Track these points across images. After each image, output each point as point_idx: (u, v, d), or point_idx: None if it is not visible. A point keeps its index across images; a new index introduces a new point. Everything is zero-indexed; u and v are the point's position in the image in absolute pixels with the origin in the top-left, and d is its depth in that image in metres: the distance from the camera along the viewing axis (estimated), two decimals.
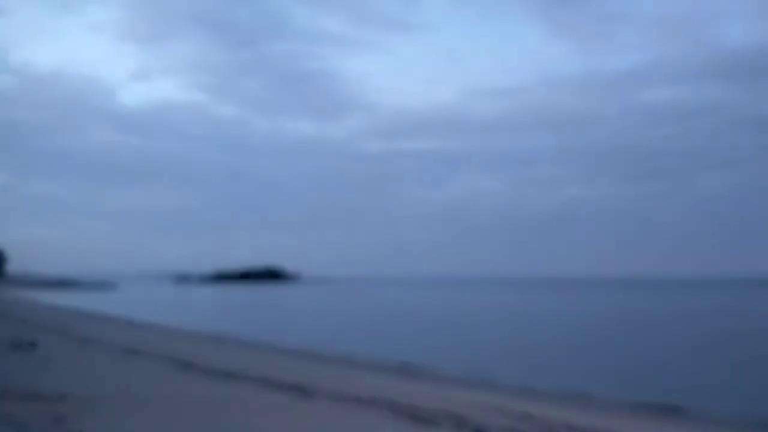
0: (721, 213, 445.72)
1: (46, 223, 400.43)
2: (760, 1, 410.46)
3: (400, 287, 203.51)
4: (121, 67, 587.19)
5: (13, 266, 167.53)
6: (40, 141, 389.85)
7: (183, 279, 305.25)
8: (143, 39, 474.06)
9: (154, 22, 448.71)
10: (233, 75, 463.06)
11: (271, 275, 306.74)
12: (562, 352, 33.11)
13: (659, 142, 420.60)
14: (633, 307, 79.92)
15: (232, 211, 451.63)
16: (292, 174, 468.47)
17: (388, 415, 12.61)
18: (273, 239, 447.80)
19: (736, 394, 21.22)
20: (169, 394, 13.53)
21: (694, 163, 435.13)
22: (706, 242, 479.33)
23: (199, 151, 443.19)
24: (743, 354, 31.96)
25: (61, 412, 10.87)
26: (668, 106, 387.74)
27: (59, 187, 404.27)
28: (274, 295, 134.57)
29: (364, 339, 40.47)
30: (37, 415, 10.62)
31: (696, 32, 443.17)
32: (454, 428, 11.83)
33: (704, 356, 31.39)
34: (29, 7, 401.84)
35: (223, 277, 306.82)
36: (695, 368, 27.14)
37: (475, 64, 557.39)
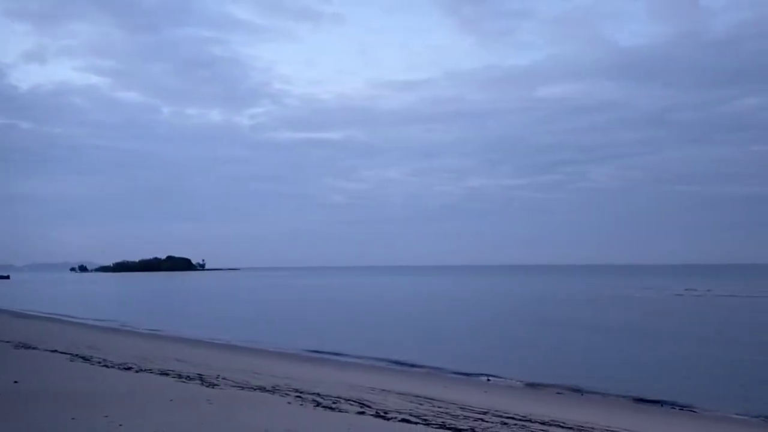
0: (611, 204, 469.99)
1: None
2: (652, 3, 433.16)
3: (307, 276, 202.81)
4: (11, 46, 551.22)
5: None
6: None
7: (82, 269, 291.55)
8: (37, 17, 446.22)
9: (49, 0, 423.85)
10: (136, 59, 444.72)
11: (176, 265, 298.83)
12: (464, 336, 34.06)
13: (555, 136, 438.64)
14: (523, 291, 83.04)
15: (135, 200, 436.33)
16: (198, 163, 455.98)
17: (293, 402, 12.67)
18: (178, 229, 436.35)
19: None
20: (63, 388, 13.03)
21: (587, 156, 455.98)
22: (596, 231, 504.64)
23: (99, 137, 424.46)
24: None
25: None
26: (564, 102, 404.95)
27: None
28: (176, 285, 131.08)
29: (267, 327, 40.23)
30: None
31: (591, 32, 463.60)
32: (357, 412, 12.03)
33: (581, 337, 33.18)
34: None
35: (125, 268, 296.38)
36: (589, 352, 28.62)
37: (383, 56, 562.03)
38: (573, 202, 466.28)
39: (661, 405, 17.83)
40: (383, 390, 16.46)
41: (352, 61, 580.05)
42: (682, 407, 17.52)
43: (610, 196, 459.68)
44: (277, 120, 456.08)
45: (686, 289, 79.95)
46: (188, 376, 15.95)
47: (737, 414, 16.75)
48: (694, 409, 17.29)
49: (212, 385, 14.55)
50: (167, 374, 16.26)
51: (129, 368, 17.18)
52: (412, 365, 24.52)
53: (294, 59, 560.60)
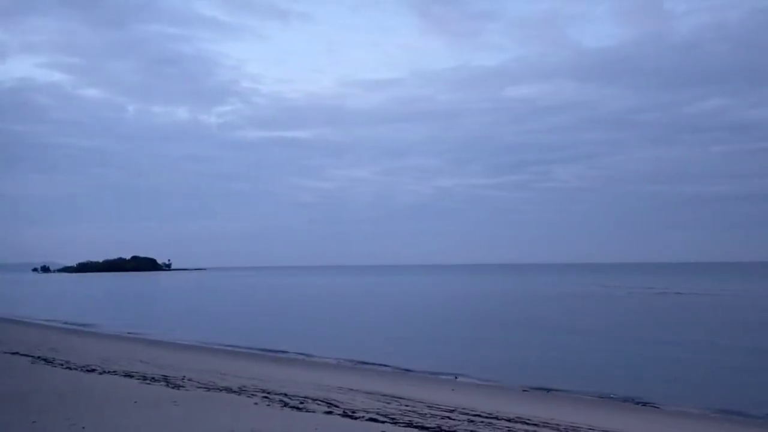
0: (577, 204, 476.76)
1: None
2: (617, 6, 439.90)
3: (275, 276, 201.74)
4: None
5: None
6: None
7: (44, 270, 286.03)
8: None
9: None
10: (100, 56, 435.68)
11: (141, 265, 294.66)
12: (432, 335, 34.20)
13: (523, 136, 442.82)
14: (490, 290, 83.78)
15: (99, 200, 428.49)
16: (164, 161, 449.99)
17: (259, 402, 12.60)
18: (143, 229, 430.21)
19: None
20: (24, 391, 12.77)
21: (554, 156, 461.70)
22: (563, 231, 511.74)
23: (62, 135, 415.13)
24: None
25: None
26: (531, 103, 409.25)
27: None
28: (142, 286, 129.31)
29: (234, 327, 39.90)
30: None
31: (558, 33, 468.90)
32: (324, 412, 12.01)
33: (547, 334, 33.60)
34: None
35: (89, 268, 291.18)
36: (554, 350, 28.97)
37: (352, 55, 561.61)
38: (540, 201, 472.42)
39: (625, 402, 18.16)
40: (351, 389, 16.45)
41: (321, 60, 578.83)
42: (645, 404, 17.84)
43: (576, 196, 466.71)
44: (245, 118, 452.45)
45: (645, 288, 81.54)
46: (153, 378, 15.76)
47: (697, 409, 17.13)
48: (657, 405, 17.62)
49: (177, 387, 14.39)
50: (131, 376, 16.04)
51: (92, 370, 16.91)
52: (380, 365, 24.54)
53: (262, 57, 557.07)
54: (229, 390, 14.38)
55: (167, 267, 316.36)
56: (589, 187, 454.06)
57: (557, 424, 12.86)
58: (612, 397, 18.59)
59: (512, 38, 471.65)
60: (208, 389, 14.37)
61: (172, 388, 14.22)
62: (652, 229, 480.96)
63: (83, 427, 9.34)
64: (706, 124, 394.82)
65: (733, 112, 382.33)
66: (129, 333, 35.74)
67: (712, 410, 17.00)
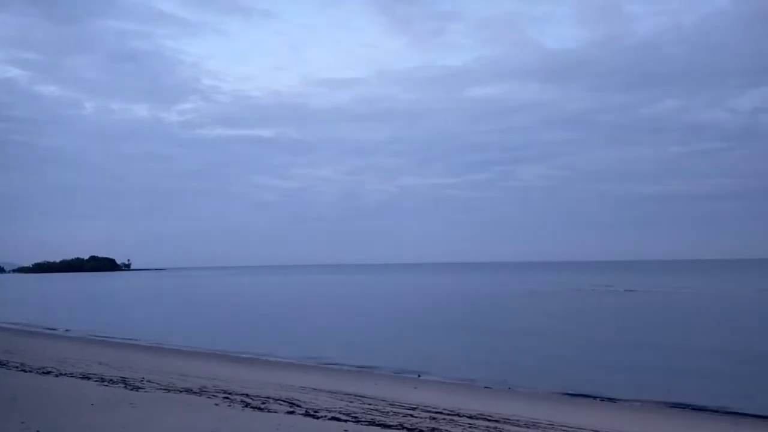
0: (539, 202, 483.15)
1: None
2: (577, 8, 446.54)
3: (237, 275, 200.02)
4: None
5: None
6: None
7: None
8: None
9: None
10: (58, 52, 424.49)
11: (100, 266, 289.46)
12: (395, 334, 34.30)
13: (485, 136, 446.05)
14: (453, 289, 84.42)
15: (56, 199, 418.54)
16: (124, 160, 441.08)
17: (220, 403, 12.48)
18: (102, 228, 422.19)
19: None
20: None
21: (516, 156, 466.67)
22: (525, 229, 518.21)
23: (18, 133, 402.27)
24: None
25: None
26: (493, 103, 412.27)
27: None
28: (100, 286, 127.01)
29: (194, 328, 39.49)
30: None
31: (519, 34, 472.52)
32: (286, 412, 11.96)
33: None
34: None
35: (46, 268, 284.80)
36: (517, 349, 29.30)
37: (315, 53, 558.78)
38: (503, 200, 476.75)
39: (584, 397, 18.47)
40: (314, 389, 16.41)
41: (283, 58, 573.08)
42: (602, 398, 18.17)
43: (537, 195, 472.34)
44: (206, 116, 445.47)
45: (600, 286, 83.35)
46: (111, 380, 15.49)
47: (653, 403, 17.51)
48: (614, 400, 17.97)
49: (136, 388, 14.17)
50: (89, 378, 15.74)
51: (48, 372, 16.53)
52: (343, 364, 24.51)
53: (224, 55, 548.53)
54: (189, 391, 14.21)
55: (126, 267, 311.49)
56: (550, 186, 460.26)
57: (518, 420, 13.01)
58: (571, 393, 18.89)
59: (475, 39, 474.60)
60: (168, 390, 14.18)
61: (131, 389, 13.99)
62: (610, 227, 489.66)
63: (38, 431, 9.14)
64: (662, 125, 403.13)
65: (688, 113, 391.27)
66: (87, 334, 35.06)
67: (667, 404, 17.40)
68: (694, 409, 16.90)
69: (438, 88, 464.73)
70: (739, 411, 16.50)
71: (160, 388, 14.45)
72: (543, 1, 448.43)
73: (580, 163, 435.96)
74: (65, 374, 16.28)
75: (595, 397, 18.36)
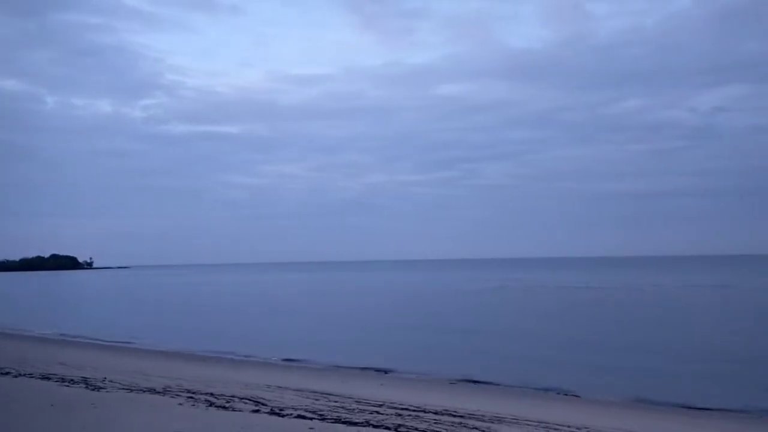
0: (504, 200, 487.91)
1: None
2: (542, 7, 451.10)
3: (202, 273, 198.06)
4: None
5: None
6: None
7: None
8: None
9: None
10: (16, 46, 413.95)
11: (61, 264, 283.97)
12: (361, 332, 34.30)
13: (452, 134, 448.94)
14: (418, 286, 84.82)
15: (16, 196, 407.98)
16: (86, 156, 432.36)
17: (184, 403, 12.35)
18: (63, 226, 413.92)
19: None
20: None
21: (481, 154, 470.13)
22: (490, 227, 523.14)
23: None
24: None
25: None
26: (460, 101, 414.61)
27: None
28: (61, 285, 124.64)
29: (158, 327, 39.00)
30: None
31: (486, 33, 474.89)
32: (251, 411, 11.88)
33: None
34: None
35: (4, 267, 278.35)
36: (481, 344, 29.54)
37: (282, 49, 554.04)
38: (469, 198, 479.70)
39: (548, 392, 18.72)
40: (279, 387, 16.33)
41: (250, 54, 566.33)
42: (566, 393, 18.43)
43: (503, 193, 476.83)
44: (171, 112, 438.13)
45: (560, 282, 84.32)
46: (72, 380, 15.21)
47: (615, 398, 17.83)
48: (577, 395, 18.24)
49: (98, 389, 13.94)
50: (49, 378, 15.44)
51: (7, 373, 16.17)
52: (309, 362, 24.44)
53: (189, 50, 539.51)
54: (152, 391, 14.03)
55: (89, 265, 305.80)
56: (516, 184, 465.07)
57: (482, 415, 13.12)
58: (537, 389, 19.11)
59: (442, 37, 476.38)
60: (131, 390, 13.98)
61: (92, 390, 13.77)
62: (574, 225, 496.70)
63: None
64: (624, 124, 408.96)
65: (649, 112, 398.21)
66: (48, 334, 34.37)
67: (628, 399, 17.73)
68: (655, 404, 17.24)
69: (406, 86, 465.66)
70: (693, 406, 16.93)
71: (123, 388, 14.24)
72: (508, 0, 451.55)
73: (545, 162, 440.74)
74: (24, 375, 15.95)
75: (559, 393, 18.61)
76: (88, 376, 16.15)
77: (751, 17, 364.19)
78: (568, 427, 12.54)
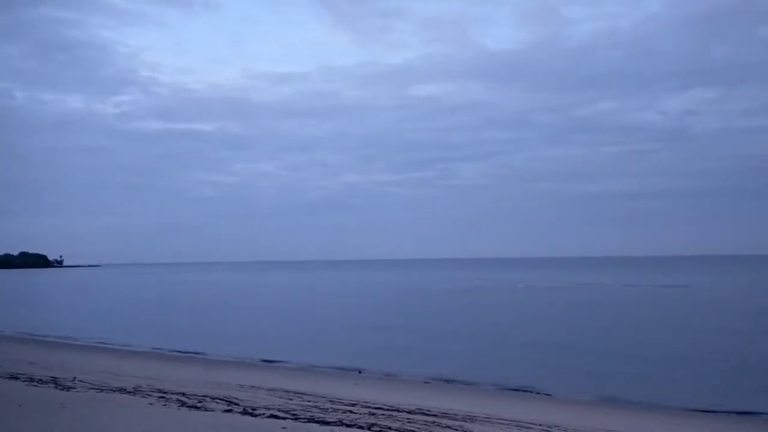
0: (480, 201, 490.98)
1: None
2: (517, 9, 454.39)
3: (174, 272, 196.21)
4: None
5: None
6: None
7: None
8: None
9: None
10: None
11: (30, 262, 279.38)
12: (336, 331, 34.26)
13: (428, 134, 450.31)
14: (392, 285, 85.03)
15: None
16: (56, 152, 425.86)
17: (155, 403, 12.23)
18: (33, 224, 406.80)
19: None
20: None
21: (457, 154, 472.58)
22: (466, 227, 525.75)
23: None
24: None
25: None
26: (436, 101, 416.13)
27: None
28: (30, 283, 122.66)
29: (128, 326, 38.57)
30: None
31: (462, 34, 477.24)
32: (223, 410, 11.80)
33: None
34: None
35: None
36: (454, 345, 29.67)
37: (257, 47, 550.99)
38: (444, 198, 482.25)
39: (521, 392, 18.89)
40: (252, 387, 16.25)
41: (225, 51, 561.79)
42: (538, 393, 18.61)
43: (478, 193, 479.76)
44: (144, 109, 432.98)
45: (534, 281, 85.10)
46: (40, 380, 14.97)
47: (586, 397, 18.06)
48: (549, 394, 18.42)
49: (67, 388, 13.75)
50: (17, 378, 15.18)
51: None
52: (283, 362, 24.36)
53: (162, 46, 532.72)
54: (123, 391, 13.86)
55: (59, 264, 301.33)
56: (491, 184, 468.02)
57: (455, 414, 13.18)
58: (510, 388, 19.25)
59: (419, 37, 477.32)
60: (101, 390, 13.80)
61: (61, 389, 13.57)
62: (549, 225, 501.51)
63: None
64: (597, 126, 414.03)
65: (621, 114, 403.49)
66: (16, 333, 33.83)
67: (598, 398, 17.97)
68: (626, 403, 17.49)
69: (382, 86, 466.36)
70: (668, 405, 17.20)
71: (93, 388, 14.06)
72: (484, 2, 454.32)
73: (520, 163, 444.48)
74: None
75: (531, 392, 18.77)
76: (57, 376, 15.92)
77: (721, 23, 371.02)
78: (540, 425, 12.65)
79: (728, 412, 16.24)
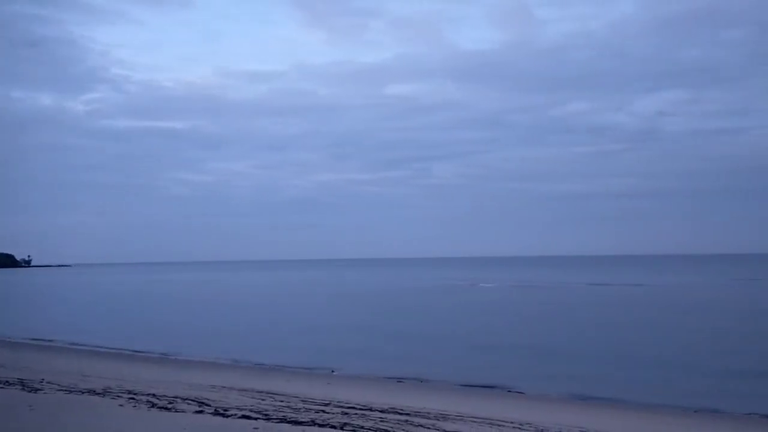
0: (454, 200, 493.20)
1: None
2: (491, 10, 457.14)
3: (146, 272, 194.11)
4: None
5: None
6: None
7: None
8: None
9: None
10: None
11: None
12: (308, 330, 34.16)
13: (402, 133, 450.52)
14: (366, 284, 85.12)
15: None
16: (25, 150, 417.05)
17: (125, 404, 12.09)
18: (1, 222, 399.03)
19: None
20: None
21: (432, 153, 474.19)
22: (440, 226, 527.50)
23: None
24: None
25: None
26: (410, 101, 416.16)
27: None
28: None
29: (97, 326, 38.01)
30: None
31: (436, 34, 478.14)
32: (195, 411, 11.71)
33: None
34: None
35: None
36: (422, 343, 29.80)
37: (231, 45, 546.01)
38: (419, 197, 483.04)
39: (493, 389, 19.03)
40: (224, 387, 16.15)
41: (198, 49, 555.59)
42: (510, 390, 18.76)
43: (452, 192, 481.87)
44: (115, 107, 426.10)
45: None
46: (7, 382, 14.71)
47: (557, 395, 18.26)
48: (522, 392, 18.59)
49: (35, 390, 13.53)
50: None
51: None
52: (255, 362, 24.21)
53: (134, 43, 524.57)
54: (92, 392, 13.68)
55: (27, 264, 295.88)
56: (465, 184, 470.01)
57: (428, 413, 13.23)
58: (482, 386, 19.38)
59: (393, 37, 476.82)
60: (69, 392, 13.61)
61: (29, 391, 13.35)
62: (520, 224, 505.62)
63: None
64: (569, 126, 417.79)
65: (593, 115, 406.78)
66: None
67: (569, 395, 18.18)
68: (596, 400, 17.73)
69: (356, 85, 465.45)
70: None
71: (61, 390, 13.86)
72: (459, 2, 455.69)
73: (494, 162, 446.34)
74: None
75: (503, 390, 18.92)
76: (24, 378, 15.65)
77: (690, 25, 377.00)
78: (512, 423, 12.75)
79: (695, 410, 16.53)
